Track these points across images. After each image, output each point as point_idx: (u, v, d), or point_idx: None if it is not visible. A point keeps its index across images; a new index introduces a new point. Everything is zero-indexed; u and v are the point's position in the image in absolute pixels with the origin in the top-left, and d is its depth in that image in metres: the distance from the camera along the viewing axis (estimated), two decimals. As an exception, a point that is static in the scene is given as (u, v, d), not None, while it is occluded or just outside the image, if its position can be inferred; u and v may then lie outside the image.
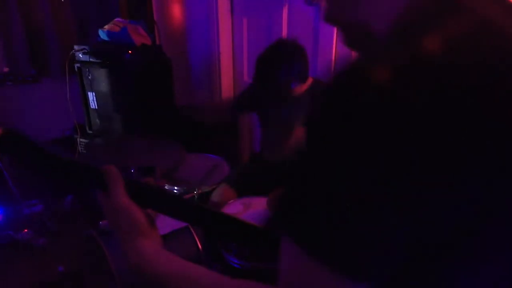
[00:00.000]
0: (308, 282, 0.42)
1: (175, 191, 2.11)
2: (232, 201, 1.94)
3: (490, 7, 0.45)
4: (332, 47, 2.53)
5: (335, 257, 0.41)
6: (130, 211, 0.66)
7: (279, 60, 1.98)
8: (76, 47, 2.80)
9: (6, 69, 2.85)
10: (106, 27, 2.80)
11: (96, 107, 2.86)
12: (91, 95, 2.84)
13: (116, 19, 2.86)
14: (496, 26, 0.43)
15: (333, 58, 2.56)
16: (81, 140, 2.94)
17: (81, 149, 2.96)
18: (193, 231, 1.65)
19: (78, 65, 2.80)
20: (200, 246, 1.63)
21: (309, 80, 2.13)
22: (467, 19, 0.43)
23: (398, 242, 0.41)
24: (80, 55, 2.78)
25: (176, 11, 3.52)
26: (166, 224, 1.64)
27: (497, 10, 0.45)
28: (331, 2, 0.55)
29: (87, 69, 2.79)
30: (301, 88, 2.10)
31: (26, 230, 2.68)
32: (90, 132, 2.96)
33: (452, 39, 0.41)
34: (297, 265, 0.44)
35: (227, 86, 3.42)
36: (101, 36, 2.81)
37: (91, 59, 2.76)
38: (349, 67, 0.43)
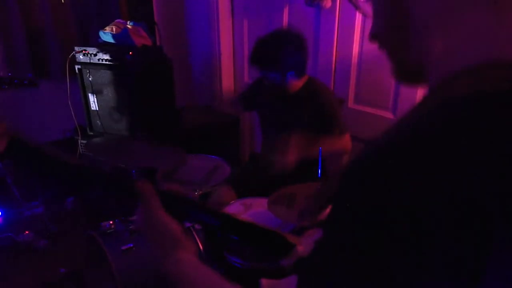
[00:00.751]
0: None
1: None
2: (232, 201, 1.94)
3: None
4: (333, 48, 2.54)
5: None
6: (167, 224, 0.67)
7: (277, 47, 1.98)
8: (76, 48, 2.80)
9: (0, 73, 2.83)
10: (106, 28, 2.80)
11: (97, 109, 2.87)
12: (91, 97, 2.85)
13: (116, 20, 2.86)
14: None
15: (334, 59, 2.56)
16: (82, 141, 2.95)
17: (82, 151, 2.97)
18: (193, 231, 1.65)
19: (79, 66, 2.80)
20: (201, 246, 1.63)
21: (305, 78, 2.13)
22: None
23: None
24: (80, 56, 2.78)
25: (177, 12, 3.52)
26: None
27: None
28: (389, 37, 0.53)
29: (87, 71, 2.79)
30: (297, 85, 2.10)
31: (27, 232, 2.68)
32: (91, 133, 2.96)
33: None
34: None
35: (227, 87, 3.42)
36: (102, 38, 2.81)
37: (91, 61, 2.76)
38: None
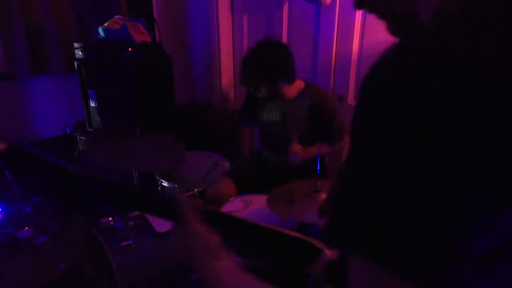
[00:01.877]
0: None
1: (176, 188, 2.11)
2: (232, 198, 1.95)
3: None
4: (332, 45, 2.53)
5: (403, 264, 0.38)
6: (207, 237, 0.69)
7: (261, 59, 2.00)
8: (76, 44, 2.79)
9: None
10: (106, 24, 2.79)
11: (96, 105, 2.86)
12: (91, 93, 2.84)
13: (116, 17, 2.85)
14: None
15: (333, 55, 2.56)
16: (82, 137, 2.94)
17: (82, 147, 2.97)
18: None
19: (78, 62, 2.80)
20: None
21: (301, 84, 2.14)
22: None
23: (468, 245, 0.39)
24: (80, 52, 2.78)
25: (176, 8, 3.51)
26: (168, 222, 1.64)
27: None
28: None
29: (87, 67, 2.79)
30: (292, 91, 2.11)
31: (27, 228, 2.69)
32: (91, 129, 2.96)
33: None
34: (366, 276, 0.42)
35: (227, 84, 3.42)
36: (101, 34, 2.80)
37: (91, 57, 2.76)
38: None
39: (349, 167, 0.43)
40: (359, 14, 2.35)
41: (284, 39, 2.82)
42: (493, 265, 0.45)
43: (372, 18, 0.59)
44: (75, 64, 2.81)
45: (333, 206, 0.45)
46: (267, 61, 2.00)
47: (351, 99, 2.55)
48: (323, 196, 1.66)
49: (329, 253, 0.73)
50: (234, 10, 3.21)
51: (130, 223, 1.62)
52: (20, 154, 0.61)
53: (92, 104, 2.87)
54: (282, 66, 2.03)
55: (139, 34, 2.75)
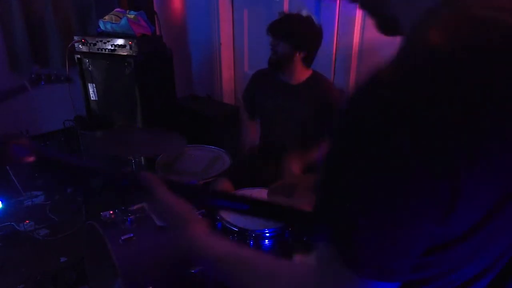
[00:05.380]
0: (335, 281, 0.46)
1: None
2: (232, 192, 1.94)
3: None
4: (333, 38, 2.52)
5: (361, 260, 0.43)
6: (177, 203, 0.74)
7: (302, 19, 2.02)
8: (76, 37, 2.78)
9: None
10: (106, 17, 2.78)
11: (96, 98, 2.86)
12: (91, 86, 2.84)
13: (116, 10, 2.84)
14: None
15: (334, 48, 2.55)
16: (82, 131, 2.94)
17: (81, 140, 2.97)
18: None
19: (78, 56, 2.79)
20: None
21: (309, 72, 2.12)
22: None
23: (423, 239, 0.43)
24: (80, 46, 2.77)
25: (177, 1, 3.50)
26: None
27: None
28: None
29: (87, 60, 2.78)
30: (301, 77, 2.09)
31: (27, 221, 2.69)
32: (91, 123, 2.95)
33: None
34: (328, 263, 0.47)
35: (227, 77, 3.41)
36: (101, 27, 2.79)
37: (91, 50, 2.75)
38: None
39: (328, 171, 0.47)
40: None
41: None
42: None
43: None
44: (75, 58, 2.80)
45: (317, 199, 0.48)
46: (306, 23, 2.01)
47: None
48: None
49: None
50: (235, 3, 3.20)
51: (131, 217, 1.62)
52: (46, 161, 0.73)
53: (92, 97, 2.87)
54: (314, 38, 2.04)
55: (139, 27, 2.74)
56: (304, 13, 2.05)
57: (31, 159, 0.70)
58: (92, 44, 2.73)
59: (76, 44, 2.78)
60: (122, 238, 1.52)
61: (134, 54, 2.63)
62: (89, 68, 2.79)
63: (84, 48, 2.77)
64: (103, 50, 2.71)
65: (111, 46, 2.69)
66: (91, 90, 2.85)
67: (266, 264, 0.62)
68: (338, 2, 2.45)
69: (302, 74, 2.10)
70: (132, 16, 2.74)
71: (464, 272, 0.48)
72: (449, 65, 0.39)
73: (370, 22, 0.60)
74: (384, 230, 0.42)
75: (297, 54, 2.02)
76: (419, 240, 0.43)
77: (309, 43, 2.03)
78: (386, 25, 0.59)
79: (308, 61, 2.07)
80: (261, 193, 1.84)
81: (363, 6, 0.60)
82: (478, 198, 0.41)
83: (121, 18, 2.72)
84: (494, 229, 0.45)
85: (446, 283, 0.49)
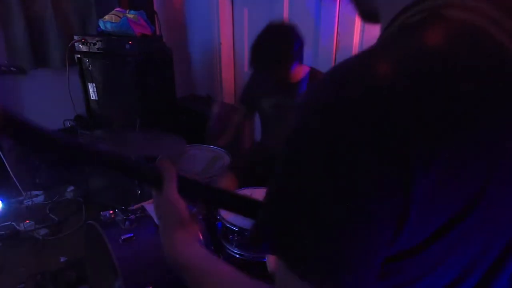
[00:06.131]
0: None
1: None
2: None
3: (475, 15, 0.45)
4: (333, 37, 2.52)
5: (314, 273, 0.42)
6: (177, 205, 0.71)
7: (277, 43, 1.95)
8: (76, 37, 2.78)
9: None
10: (106, 17, 2.78)
11: (97, 98, 2.86)
12: (91, 86, 2.84)
13: (116, 9, 2.84)
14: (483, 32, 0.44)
15: (334, 48, 2.55)
16: (82, 131, 2.94)
17: (82, 140, 2.96)
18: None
19: (78, 55, 2.79)
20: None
21: (306, 69, 2.12)
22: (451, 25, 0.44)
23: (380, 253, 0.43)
24: (80, 45, 2.77)
25: (177, 1, 3.50)
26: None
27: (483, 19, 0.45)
28: None
29: (87, 60, 2.78)
30: (297, 75, 2.09)
31: (27, 221, 2.69)
32: (91, 123, 2.95)
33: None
34: (282, 277, 0.45)
35: (227, 77, 3.41)
36: (101, 27, 2.79)
37: (91, 50, 2.75)
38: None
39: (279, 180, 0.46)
40: (360, 7, 2.34)
41: (285, 32, 2.80)
42: None
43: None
44: (75, 57, 2.80)
45: (264, 207, 0.48)
46: (280, 44, 1.95)
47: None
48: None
49: None
50: (235, 2, 3.20)
51: (131, 216, 1.62)
52: (15, 123, 0.68)
53: (92, 97, 2.87)
54: (296, 47, 1.98)
55: (139, 27, 2.74)
56: (268, 25, 2.01)
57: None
58: (92, 44, 2.73)
59: (76, 44, 2.78)
60: (122, 238, 1.52)
61: (134, 54, 2.63)
62: (89, 68, 2.79)
63: (84, 48, 2.76)
64: (103, 50, 2.71)
65: (111, 46, 2.68)
66: (91, 90, 2.85)
67: (230, 281, 0.61)
68: (338, 2, 2.45)
69: (299, 71, 2.09)
70: (132, 16, 2.74)
71: (428, 282, 0.47)
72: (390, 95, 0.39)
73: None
74: (339, 242, 0.41)
75: (285, 65, 2.00)
76: (377, 250, 0.42)
77: (295, 52, 1.99)
78: (365, 15, 0.60)
79: (299, 59, 2.05)
80: (262, 193, 1.84)
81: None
82: (432, 207, 0.41)
83: (121, 18, 2.72)
84: (456, 237, 0.44)
85: None
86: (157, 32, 3.11)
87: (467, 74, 0.41)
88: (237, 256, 1.58)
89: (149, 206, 1.74)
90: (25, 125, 0.68)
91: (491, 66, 0.43)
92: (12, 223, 2.68)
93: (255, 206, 0.81)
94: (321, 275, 0.41)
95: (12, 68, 2.57)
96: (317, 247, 0.41)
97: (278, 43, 1.95)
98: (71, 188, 3.14)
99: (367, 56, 0.43)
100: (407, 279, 0.46)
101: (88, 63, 2.78)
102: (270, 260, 1.41)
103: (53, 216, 2.82)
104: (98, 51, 2.72)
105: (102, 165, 0.73)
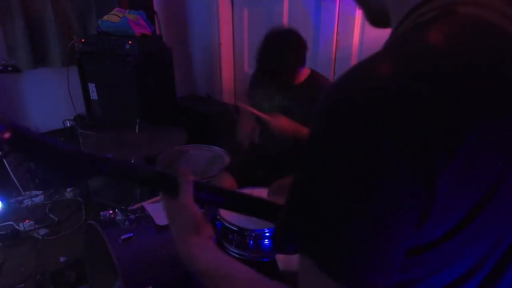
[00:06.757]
0: None
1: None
2: (232, 192, 1.94)
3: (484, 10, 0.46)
4: (333, 37, 2.52)
5: (343, 271, 0.42)
6: (192, 212, 0.71)
7: (283, 48, 1.96)
8: (76, 37, 2.78)
9: None
10: (106, 17, 2.78)
11: (97, 98, 2.86)
12: (91, 86, 2.84)
13: (116, 9, 2.84)
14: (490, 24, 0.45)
15: (334, 47, 2.55)
16: (82, 131, 2.94)
17: (82, 140, 2.96)
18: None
19: (78, 55, 2.79)
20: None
21: (307, 71, 2.12)
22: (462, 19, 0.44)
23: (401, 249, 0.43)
24: (80, 45, 2.77)
25: (177, 1, 3.50)
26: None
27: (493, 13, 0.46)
28: None
29: (87, 60, 2.78)
30: (299, 78, 2.09)
31: (27, 221, 2.69)
32: (91, 122, 2.95)
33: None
34: (310, 277, 0.45)
35: (227, 77, 3.41)
36: (101, 26, 2.79)
37: (91, 50, 2.75)
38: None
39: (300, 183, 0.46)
40: (360, 7, 2.34)
41: (285, 32, 2.80)
42: None
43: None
44: (75, 57, 2.80)
45: (285, 210, 0.48)
46: (289, 51, 1.97)
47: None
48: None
49: None
50: (234, 2, 3.20)
51: (130, 216, 1.62)
52: (25, 140, 0.65)
53: (92, 97, 2.87)
54: (301, 53, 2.00)
55: (139, 27, 2.74)
56: (273, 31, 2.00)
57: (7, 135, 0.61)
58: (92, 44, 2.73)
59: (76, 44, 2.77)
60: (122, 237, 1.52)
61: (134, 53, 2.63)
62: (89, 68, 2.79)
63: (84, 48, 2.76)
64: (103, 49, 2.71)
65: (111, 46, 2.68)
66: (91, 90, 2.85)
67: (248, 283, 0.61)
68: (338, 2, 2.45)
69: (300, 74, 2.10)
70: (132, 16, 2.74)
71: (445, 275, 0.48)
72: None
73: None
74: (364, 239, 0.41)
75: (292, 71, 2.02)
76: (401, 245, 0.43)
77: (295, 59, 2.00)
78: (374, 17, 0.59)
79: (301, 63, 2.06)
80: (261, 193, 1.84)
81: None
82: (454, 199, 0.42)
83: (121, 18, 2.72)
84: (473, 231, 0.45)
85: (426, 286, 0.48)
86: (157, 32, 3.11)
87: (483, 69, 0.42)
88: (236, 256, 1.58)
89: (149, 206, 1.74)
90: (36, 141, 0.67)
91: (505, 60, 0.43)
92: (12, 223, 2.68)
93: (274, 208, 0.80)
94: (354, 275, 0.41)
95: (9, 68, 2.57)
96: (347, 247, 0.41)
97: (285, 50, 1.96)
98: (71, 188, 3.13)
99: (385, 56, 0.44)
100: (425, 272, 0.47)
101: (88, 63, 2.78)
102: (281, 259, 1.41)
103: (53, 216, 2.82)
104: (98, 51, 2.72)
105: (115, 176, 0.73)
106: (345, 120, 0.41)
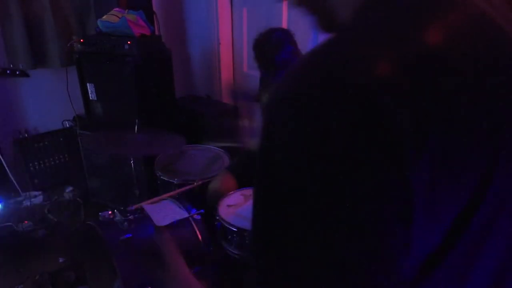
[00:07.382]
0: None
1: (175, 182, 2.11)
2: (232, 192, 1.94)
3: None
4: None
5: None
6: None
7: (276, 43, 2.04)
8: (75, 37, 2.78)
9: None
10: (104, 17, 2.77)
11: (96, 98, 2.85)
12: (90, 86, 2.83)
13: (114, 9, 2.83)
14: (489, 19, 0.44)
15: (334, 48, 2.54)
16: (81, 131, 2.94)
17: (81, 140, 2.96)
18: (193, 222, 1.65)
19: (77, 56, 2.78)
20: (200, 237, 1.63)
21: None
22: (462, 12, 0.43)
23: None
24: (78, 45, 2.76)
25: (176, 1, 3.50)
26: (167, 215, 1.64)
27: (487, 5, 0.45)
28: None
29: (86, 60, 2.78)
30: None
31: (26, 222, 2.69)
32: (90, 123, 2.95)
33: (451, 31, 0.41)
34: None
35: (226, 77, 3.41)
36: (100, 27, 2.79)
37: (90, 50, 2.74)
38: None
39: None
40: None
41: (284, 32, 2.80)
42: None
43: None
44: (74, 57, 2.79)
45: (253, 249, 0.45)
46: (280, 45, 2.05)
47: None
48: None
49: None
50: (234, 3, 3.20)
51: (129, 217, 1.62)
52: None
53: (91, 97, 2.86)
54: (283, 54, 2.05)
55: (138, 27, 2.73)
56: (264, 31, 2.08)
57: None
58: (91, 44, 2.72)
59: (75, 44, 2.77)
60: (121, 238, 1.51)
61: (133, 54, 2.63)
62: (88, 68, 2.78)
63: (83, 48, 2.76)
64: (102, 50, 2.70)
65: (110, 46, 2.68)
66: (90, 90, 2.84)
67: None
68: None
69: None
70: (131, 16, 2.74)
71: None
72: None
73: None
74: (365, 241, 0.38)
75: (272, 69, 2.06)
76: (394, 254, 0.39)
77: (292, 52, 2.06)
78: (325, 20, 0.56)
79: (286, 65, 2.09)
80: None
81: (300, 3, 0.56)
82: (440, 195, 0.39)
83: (120, 18, 2.71)
84: (475, 237, 0.43)
85: None
86: (156, 32, 3.11)
87: (463, 61, 0.40)
88: (236, 256, 1.57)
89: (148, 207, 1.73)
90: None
91: (491, 53, 0.43)
92: (11, 223, 2.68)
93: None
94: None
95: (17, 72, 2.56)
96: (324, 265, 0.38)
97: (281, 37, 2.06)
98: (70, 188, 3.13)
99: (363, 42, 0.42)
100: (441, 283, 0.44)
101: (87, 63, 2.78)
102: None
103: (52, 217, 2.81)
104: (97, 51, 2.72)
105: None
106: (306, 113, 0.38)
